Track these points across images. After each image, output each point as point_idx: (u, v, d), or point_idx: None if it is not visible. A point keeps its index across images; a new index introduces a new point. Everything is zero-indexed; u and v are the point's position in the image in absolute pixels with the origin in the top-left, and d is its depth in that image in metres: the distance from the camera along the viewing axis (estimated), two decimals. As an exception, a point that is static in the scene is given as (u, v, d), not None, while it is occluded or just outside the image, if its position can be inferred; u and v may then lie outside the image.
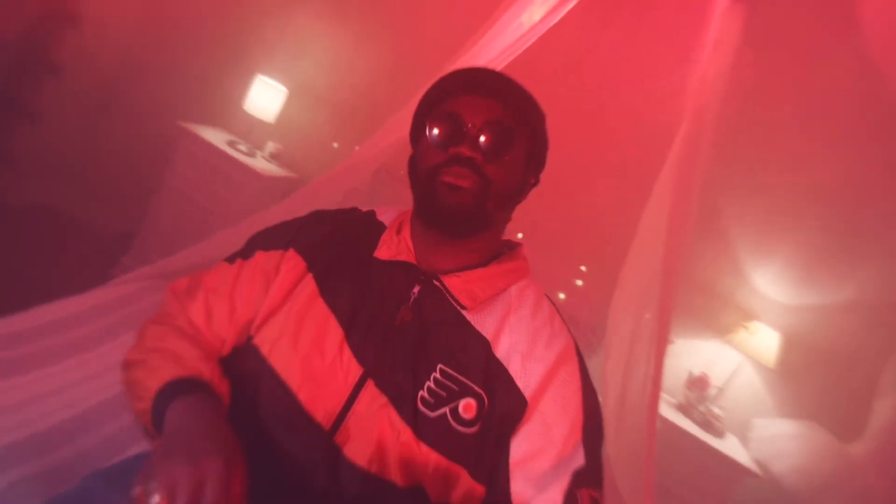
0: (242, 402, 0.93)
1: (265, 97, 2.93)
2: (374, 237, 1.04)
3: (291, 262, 1.00)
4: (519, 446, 0.89)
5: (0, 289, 2.02)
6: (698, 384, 2.76)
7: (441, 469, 0.87)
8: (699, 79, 2.15)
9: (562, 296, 2.71)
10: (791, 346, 2.72)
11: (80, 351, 1.50)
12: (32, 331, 1.49)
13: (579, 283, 2.80)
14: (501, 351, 0.93)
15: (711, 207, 2.72)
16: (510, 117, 0.95)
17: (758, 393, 2.84)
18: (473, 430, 0.88)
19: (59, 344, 1.48)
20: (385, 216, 1.10)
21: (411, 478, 0.88)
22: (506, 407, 0.90)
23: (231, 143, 2.92)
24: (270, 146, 3.05)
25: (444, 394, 0.89)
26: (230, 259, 1.05)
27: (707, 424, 2.68)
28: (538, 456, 0.88)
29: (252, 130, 3.02)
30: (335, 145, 3.10)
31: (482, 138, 0.92)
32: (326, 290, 0.97)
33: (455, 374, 0.91)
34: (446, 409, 0.89)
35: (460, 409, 0.89)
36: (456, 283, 0.96)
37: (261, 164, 2.93)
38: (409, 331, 0.94)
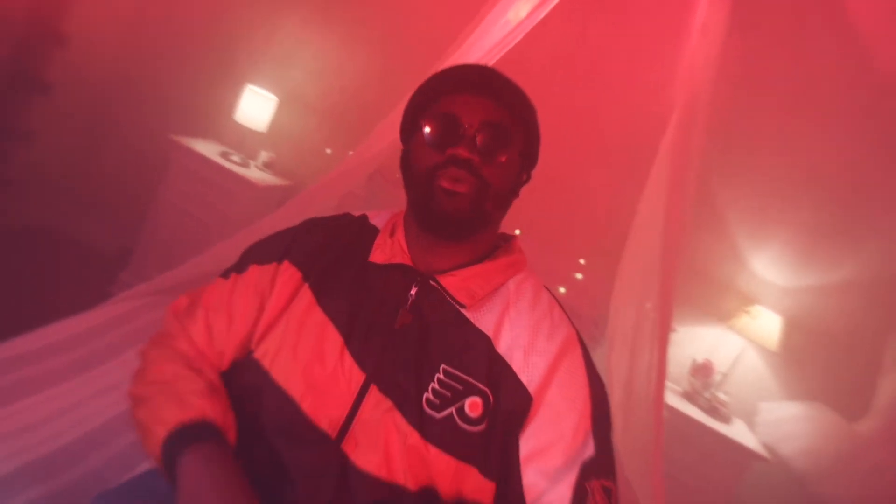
0: (247, 416, 0.92)
1: (256, 107, 2.92)
2: (367, 241, 1.03)
3: (287, 274, 0.99)
4: (528, 441, 0.89)
5: (1, 311, 2.01)
6: (702, 371, 2.77)
7: (451, 469, 0.87)
8: (688, 66, 2.16)
9: (562, 290, 2.72)
10: (793, 328, 2.73)
11: (84, 370, 1.50)
12: (35, 352, 1.49)
13: (579, 276, 2.80)
14: (503, 347, 0.93)
15: (707, 194, 2.73)
16: (506, 117, 0.95)
17: (762, 377, 2.85)
18: (480, 428, 0.88)
19: (62, 364, 1.48)
20: (377, 219, 1.09)
21: (421, 480, 0.87)
22: (511, 403, 0.89)
23: (224, 155, 2.91)
24: (263, 155, 3.05)
25: (448, 394, 0.89)
26: (225, 274, 1.05)
27: (713, 411, 2.68)
28: (549, 450, 0.87)
29: (244, 140, 3.02)
30: (328, 151, 3.10)
31: (479, 139, 0.92)
32: (323, 298, 0.96)
33: (458, 374, 0.90)
34: (452, 410, 0.88)
35: (466, 408, 0.88)
36: (453, 282, 0.96)
37: (255, 173, 2.92)
38: (410, 333, 0.93)
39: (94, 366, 1.53)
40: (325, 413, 0.89)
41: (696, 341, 2.88)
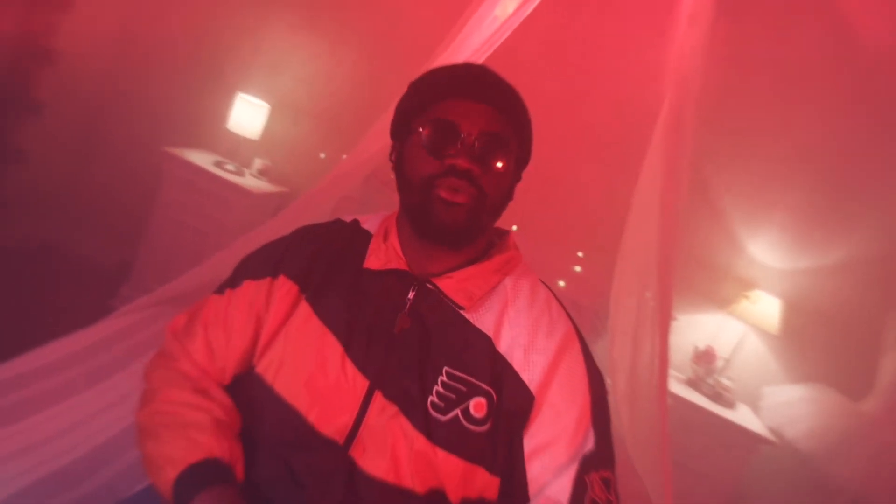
0: (253, 427, 0.93)
1: (248, 115, 2.93)
2: (360, 247, 1.02)
3: (284, 289, 0.98)
4: (532, 438, 0.90)
5: (4, 331, 2.01)
6: (705, 357, 2.78)
7: (459, 470, 0.88)
8: (677, 55, 2.17)
9: (561, 283, 2.73)
10: (792, 310, 2.74)
11: (92, 384, 1.51)
12: (42, 369, 1.50)
13: (578, 269, 2.81)
14: (504, 346, 0.94)
15: (701, 181, 2.74)
16: (503, 123, 0.94)
17: (764, 360, 2.86)
18: (485, 428, 0.89)
19: (70, 379, 1.49)
20: (369, 224, 1.08)
21: (429, 482, 0.88)
22: (513, 402, 0.91)
23: (218, 164, 2.92)
24: (258, 163, 3.05)
25: (453, 396, 0.89)
26: (220, 290, 1.04)
27: (717, 396, 2.69)
28: (552, 445, 0.89)
29: (238, 149, 3.02)
30: (322, 156, 3.10)
31: (478, 148, 0.91)
32: (320, 309, 0.96)
33: (462, 375, 0.91)
34: (458, 411, 0.89)
35: (471, 409, 0.89)
36: (450, 285, 0.96)
37: (250, 181, 2.93)
38: (410, 337, 0.93)
39: (101, 379, 1.54)
40: (331, 422, 0.89)
41: (697, 328, 2.89)
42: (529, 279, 1.02)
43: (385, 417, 0.89)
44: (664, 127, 2.13)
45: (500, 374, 0.92)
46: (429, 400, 0.89)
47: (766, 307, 2.70)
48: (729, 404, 2.69)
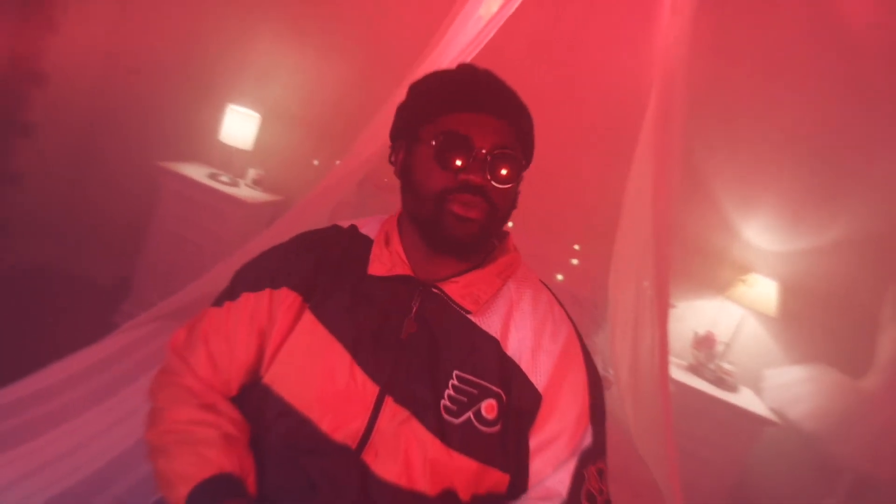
0: (264, 438, 0.94)
1: (239, 125, 2.93)
2: (361, 253, 1.02)
3: (288, 301, 0.98)
4: (537, 435, 0.93)
5: (7, 354, 2.02)
6: (705, 343, 2.80)
7: (472, 471, 0.90)
8: (662, 45, 2.19)
9: (559, 277, 2.74)
10: (789, 292, 2.76)
11: (101, 400, 1.52)
12: (49, 388, 1.50)
13: (575, 262, 2.83)
14: (511, 349, 0.95)
15: (692, 168, 2.76)
16: (513, 137, 0.95)
17: (764, 343, 2.88)
18: (496, 428, 0.91)
19: (79, 397, 1.50)
20: (367, 228, 1.08)
21: (442, 484, 0.90)
22: (522, 402, 0.93)
23: (213, 176, 2.92)
24: (252, 173, 3.06)
25: (464, 399, 0.91)
26: (218, 302, 1.03)
27: (720, 381, 2.71)
28: (554, 442, 0.92)
29: (231, 160, 3.03)
30: (316, 162, 3.11)
31: (492, 164, 0.91)
32: (325, 317, 0.96)
33: (472, 378, 0.92)
34: (470, 414, 0.90)
35: (483, 411, 0.91)
36: (456, 289, 0.97)
37: (245, 192, 2.94)
38: (417, 342, 0.94)
39: (110, 395, 1.55)
40: (343, 428, 0.90)
41: (696, 314, 2.91)
42: (532, 282, 1.04)
43: (396, 422, 0.89)
44: (653, 116, 2.15)
45: (508, 376, 0.93)
46: (441, 403, 0.90)
47: (764, 290, 2.72)
48: (731, 388, 2.71)
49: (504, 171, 0.92)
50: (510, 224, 1.03)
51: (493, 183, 0.91)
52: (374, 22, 2.97)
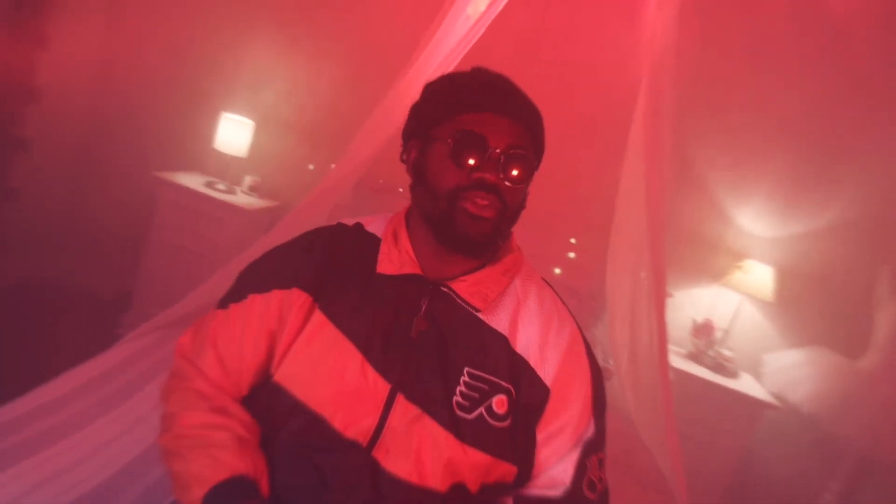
0: (276, 436, 0.95)
1: (234, 133, 2.95)
2: (369, 251, 1.03)
3: (299, 302, 0.98)
4: (544, 428, 0.96)
5: (9, 369, 2.03)
6: (704, 330, 2.82)
7: (484, 465, 0.92)
8: (649, 38, 2.20)
9: (557, 271, 2.76)
10: (785, 277, 2.78)
11: (110, 409, 1.54)
12: (55, 401, 1.52)
13: (572, 255, 2.85)
14: (520, 345, 0.98)
15: (684, 158, 2.78)
16: (526, 138, 0.97)
17: (762, 328, 2.90)
18: (507, 423, 0.93)
19: (87, 406, 1.52)
20: (373, 226, 1.08)
21: (453, 479, 0.92)
22: (531, 396, 0.95)
23: (209, 184, 2.94)
24: (248, 180, 3.07)
25: (476, 395, 0.93)
26: (223, 304, 1.03)
27: (719, 367, 2.74)
28: (560, 433, 0.96)
29: (227, 168, 3.05)
30: (311, 167, 3.13)
31: (505, 164, 0.93)
32: (335, 317, 0.97)
33: (483, 374, 0.94)
34: (482, 409, 0.92)
35: (494, 406, 0.93)
36: (464, 287, 0.98)
37: (241, 199, 2.95)
38: (428, 340, 0.96)
39: (115, 405, 1.56)
40: (355, 425, 0.91)
41: (693, 303, 2.93)
42: (535, 280, 1.07)
43: (408, 419, 0.91)
44: (643, 108, 2.17)
45: (518, 372, 0.96)
46: (454, 400, 0.92)
47: (760, 276, 2.74)
48: (731, 374, 2.74)
49: (516, 171, 0.94)
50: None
51: (506, 182, 0.93)
52: (363, 26, 2.99)
